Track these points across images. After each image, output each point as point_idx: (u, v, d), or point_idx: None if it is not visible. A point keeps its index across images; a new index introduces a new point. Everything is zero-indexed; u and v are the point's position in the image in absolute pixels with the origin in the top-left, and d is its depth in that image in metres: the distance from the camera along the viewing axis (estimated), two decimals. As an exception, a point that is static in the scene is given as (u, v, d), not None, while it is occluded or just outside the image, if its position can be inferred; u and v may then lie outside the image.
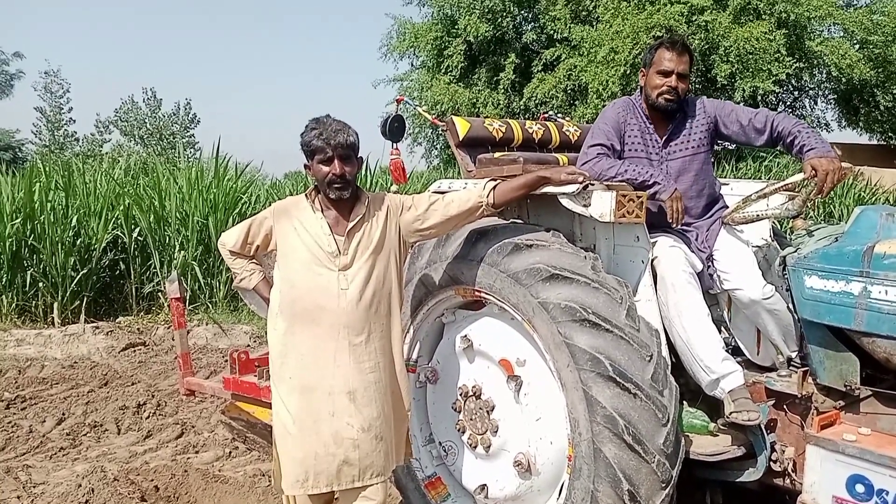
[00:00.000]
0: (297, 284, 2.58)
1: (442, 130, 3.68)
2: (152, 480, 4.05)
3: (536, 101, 17.43)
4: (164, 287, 6.36)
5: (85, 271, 8.52)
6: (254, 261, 2.86)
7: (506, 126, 3.65)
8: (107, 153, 27.41)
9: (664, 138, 3.07)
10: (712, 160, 3.21)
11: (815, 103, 20.68)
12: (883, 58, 17.12)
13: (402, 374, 2.73)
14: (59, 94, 32.97)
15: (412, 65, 21.75)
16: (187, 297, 8.62)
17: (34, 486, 4.07)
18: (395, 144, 3.58)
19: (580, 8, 17.51)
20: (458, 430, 3.13)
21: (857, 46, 17.17)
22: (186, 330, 4.52)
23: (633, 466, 2.47)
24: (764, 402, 2.75)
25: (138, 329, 8.19)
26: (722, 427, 2.81)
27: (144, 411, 5.44)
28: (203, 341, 7.53)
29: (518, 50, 19.35)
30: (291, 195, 2.93)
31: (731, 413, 2.65)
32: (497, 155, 3.35)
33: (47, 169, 10.11)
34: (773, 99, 18.93)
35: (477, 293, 2.97)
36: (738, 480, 2.80)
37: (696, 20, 15.57)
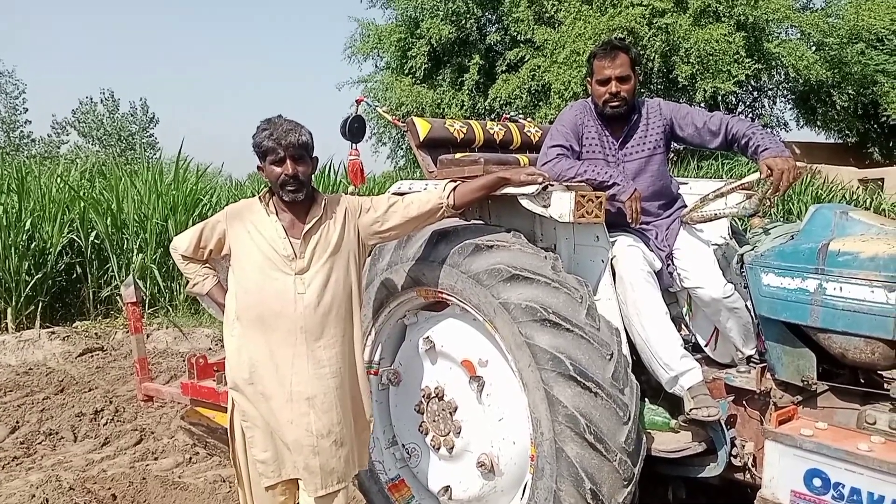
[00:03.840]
0: (252, 289, 2.52)
1: (403, 131, 3.65)
2: (110, 489, 3.95)
3: (501, 102, 17.52)
4: (121, 291, 6.24)
5: (40, 276, 8.29)
6: (207, 265, 2.80)
7: (467, 127, 3.64)
8: (64, 155, 26.81)
9: (620, 140, 3.10)
10: (670, 160, 3.24)
11: (774, 103, 21.18)
12: (838, 59, 17.58)
13: (363, 377, 2.69)
14: (14, 95, 32.25)
15: (376, 66, 21.73)
16: (146, 301, 8.47)
17: (-15, 498, 3.94)
18: (354, 145, 3.54)
19: (543, 10, 17.63)
20: (422, 432, 3.11)
21: (813, 48, 17.60)
22: (144, 334, 4.42)
23: (595, 465, 2.47)
24: (723, 399, 2.77)
25: (96, 334, 8.00)
26: (683, 424, 2.83)
27: (102, 418, 5.30)
28: (163, 345, 7.38)
29: (482, 51, 19.43)
30: (253, 196, 2.87)
31: (691, 410, 2.68)
32: (458, 156, 3.33)
33: None
34: (734, 99, 19.31)
35: (439, 294, 2.95)
36: (699, 476, 2.83)
37: (656, 22, 15.79)
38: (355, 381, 2.64)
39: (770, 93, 20.76)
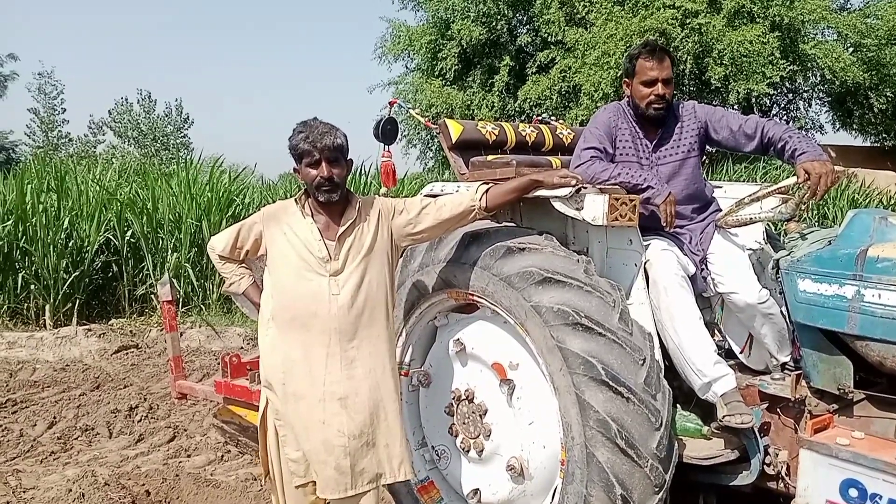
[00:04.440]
0: (287, 290, 2.56)
1: (435, 133, 3.66)
2: (143, 485, 4.02)
3: (531, 103, 17.45)
4: (157, 289, 6.35)
5: (77, 273, 8.48)
6: (243, 265, 2.84)
7: (499, 129, 3.64)
8: (100, 154, 27.33)
9: (654, 143, 3.07)
10: (705, 161, 3.21)
11: (810, 106, 20.77)
12: (876, 61, 17.19)
13: (396, 379, 2.71)
14: (52, 96, 32.90)
15: (406, 67, 21.77)
16: (180, 300, 8.60)
17: (24, 492, 4.04)
18: (387, 147, 3.57)
19: (574, 12, 17.54)
20: (451, 434, 3.12)
21: (850, 49, 17.24)
22: (178, 333, 4.49)
23: (626, 471, 2.46)
24: (757, 406, 2.74)
25: (131, 331, 8.15)
26: (715, 431, 2.80)
27: (136, 415, 5.41)
28: (196, 344, 7.49)
29: (512, 52, 19.37)
30: (284, 197, 2.91)
31: (724, 416, 2.64)
32: (490, 158, 3.33)
33: (40, 171, 10.06)
34: (768, 102, 18.99)
35: (470, 297, 2.95)
36: (731, 484, 2.79)
37: (689, 23, 15.60)
38: (389, 383, 2.64)
39: (805, 95, 20.38)
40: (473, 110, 18.54)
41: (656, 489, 2.48)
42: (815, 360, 2.61)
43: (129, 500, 3.80)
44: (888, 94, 18.02)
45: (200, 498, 3.93)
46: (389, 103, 3.88)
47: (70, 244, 8.64)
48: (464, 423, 3.05)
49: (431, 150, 21.44)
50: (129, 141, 33.60)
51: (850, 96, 18.82)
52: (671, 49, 15.04)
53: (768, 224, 3.16)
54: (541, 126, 3.90)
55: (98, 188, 9.65)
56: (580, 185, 2.68)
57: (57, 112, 33.02)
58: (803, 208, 2.82)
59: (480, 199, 2.70)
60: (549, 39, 18.28)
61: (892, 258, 2.35)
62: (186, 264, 8.85)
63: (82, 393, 5.93)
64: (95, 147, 32.58)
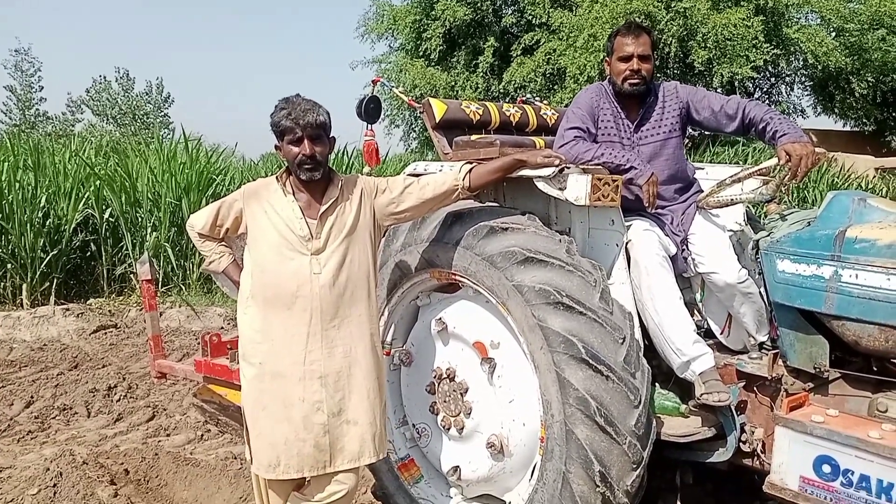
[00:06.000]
0: (268, 269, 2.54)
1: (419, 112, 3.64)
2: (122, 464, 4.00)
3: (515, 85, 17.41)
4: (136, 268, 6.29)
5: (55, 252, 8.37)
6: (223, 243, 2.81)
7: (483, 109, 3.62)
8: (78, 133, 26.93)
9: (636, 123, 3.08)
10: (687, 144, 3.22)
11: (792, 90, 20.94)
12: (858, 45, 17.34)
13: (378, 357, 2.70)
14: (29, 73, 32.35)
15: (390, 47, 21.62)
16: (159, 279, 8.53)
17: (1, 471, 4.00)
18: (370, 126, 3.54)
19: (560, -7, 17.49)
20: (432, 413, 3.13)
21: (833, 34, 17.37)
22: (158, 312, 4.46)
23: (605, 448, 2.48)
24: (734, 384, 2.77)
25: (109, 311, 8.08)
26: (693, 409, 2.83)
27: (115, 394, 5.37)
28: (176, 324, 7.45)
29: (497, 34, 19.29)
30: (265, 177, 2.88)
31: (701, 395, 2.68)
32: (474, 137, 3.32)
33: (16, 147, 9.89)
34: (751, 85, 19.09)
35: (452, 276, 2.95)
36: (708, 461, 2.83)
37: (674, 6, 15.63)
38: (371, 362, 2.63)
39: (788, 79, 20.52)
40: (457, 91, 18.49)
41: (634, 466, 2.51)
42: (792, 340, 2.64)
43: (108, 479, 3.78)
44: (869, 79, 18.18)
45: (180, 477, 3.92)
46: (373, 81, 3.85)
47: (47, 222, 8.52)
48: (445, 402, 3.06)
49: (415, 131, 21.38)
50: (107, 120, 33.14)
51: (832, 81, 18.97)
52: (656, 31, 15.06)
53: (749, 206, 3.18)
54: (525, 106, 3.89)
55: (77, 163, 9.50)
56: (563, 166, 2.68)
57: (34, 90, 32.50)
58: (784, 190, 2.84)
59: (464, 179, 2.69)
60: (533, 21, 18.22)
61: (869, 239, 2.38)
62: (166, 243, 8.77)
63: (60, 372, 5.88)
64: (74, 126, 32.11)
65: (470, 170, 2.71)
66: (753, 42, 15.58)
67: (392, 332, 3.32)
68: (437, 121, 3.46)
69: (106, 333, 7.20)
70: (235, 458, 4.12)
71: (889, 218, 2.50)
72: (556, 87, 17.27)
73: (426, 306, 3.25)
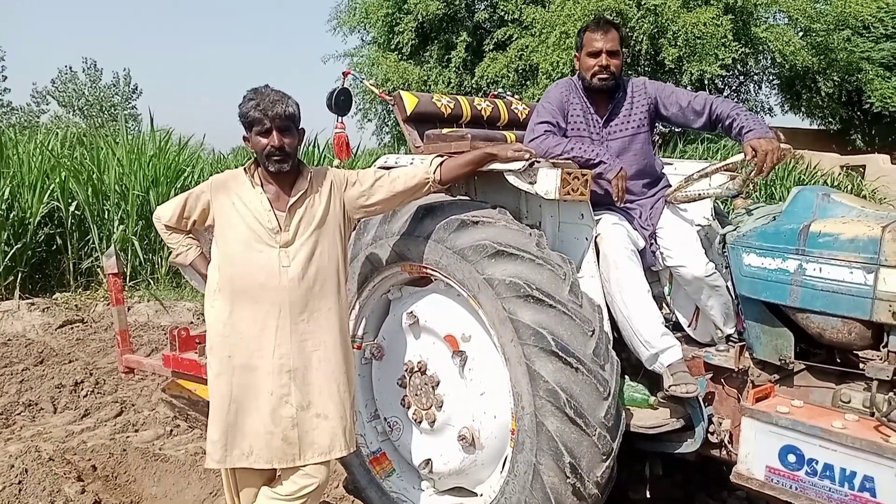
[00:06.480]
0: (236, 261, 2.51)
1: (390, 105, 3.63)
2: (90, 460, 3.94)
3: (488, 80, 17.42)
4: (102, 262, 6.18)
5: (19, 246, 8.18)
6: (190, 236, 2.78)
7: (454, 102, 3.62)
8: (44, 124, 26.41)
9: (605, 118, 3.11)
10: (657, 140, 3.26)
11: (760, 88, 21.27)
12: (825, 45, 17.64)
13: (348, 351, 2.69)
14: (-8, 63, 31.61)
15: (363, 40, 21.49)
16: (127, 273, 8.39)
17: (-36, 467, 3.92)
18: (340, 118, 3.52)
19: (532, -11, 17.52)
20: (403, 406, 3.13)
21: (800, 34, 17.64)
22: (125, 306, 4.38)
23: (575, 439, 2.50)
24: (702, 376, 2.81)
25: (76, 305, 7.93)
26: (661, 400, 2.87)
27: (82, 390, 5.28)
28: (144, 318, 7.33)
29: (470, 28, 19.27)
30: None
31: (669, 386, 2.71)
32: (445, 131, 3.32)
33: (-23, 139, 9.65)
34: (720, 83, 19.32)
35: (423, 270, 2.95)
36: (676, 452, 2.87)
37: (645, 4, 15.75)
38: (341, 356, 2.62)
39: (756, 77, 20.83)
40: (430, 86, 18.45)
41: (604, 457, 2.53)
42: (758, 332, 2.68)
43: (75, 476, 3.72)
44: (835, 78, 18.53)
45: (148, 472, 3.87)
46: (343, 74, 3.82)
47: (11, 215, 8.32)
48: (416, 395, 3.06)
49: (388, 125, 21.29)
50: (74, 111, 32.54)
51: (799, 80, 19.31)
52: (627, 29, 15.18)
53: (716, 201, 3.23)
54: (496, 101, 3.90)
55: (42, 154, 9.29)
56: (533, 160, 2.69)
57: (-3, 80, 31.76)
58: (750, 185, 2.88)
59: (435, 172, 2.69)
60: (506, 17, 18.23)
61: (833, 233, 2.42)
62: (133, 237, 8.62)
63: (25, 368, 5.75)
64: (39, 117, 31.49)
65: (441, 163, 2.71)
66: (723, 41, 15.77)
67: (363, 326, 3.31)
68: (408, 114, 3.45)
69: (72, 328, 7.06)
70: (205, 454, 4.06)
71: (852, 213, 2.55)
72: (528, 82, 17.32)
73: (397, 300, 3.25)
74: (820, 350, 2.67)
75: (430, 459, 3.05)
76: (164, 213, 2.71)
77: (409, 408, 3.10)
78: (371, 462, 3.29)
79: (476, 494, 3.04)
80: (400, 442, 3.23)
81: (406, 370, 3.10)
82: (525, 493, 2.62)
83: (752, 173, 2.79)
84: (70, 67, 33.18)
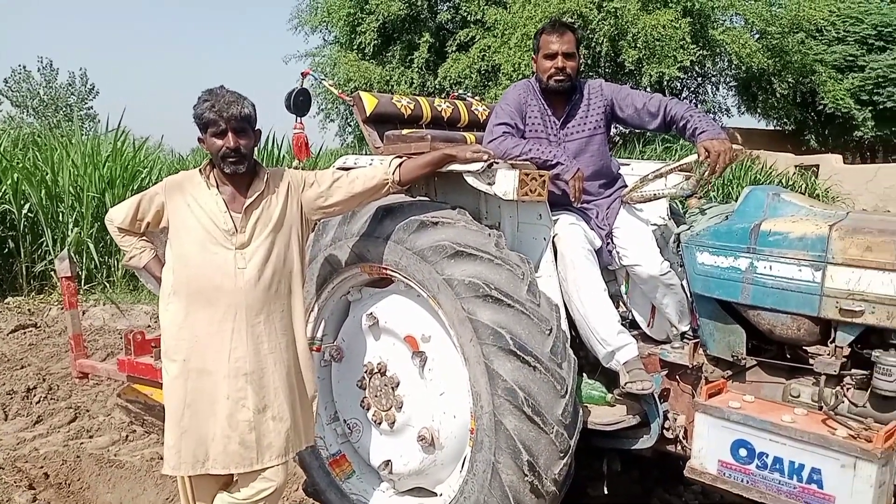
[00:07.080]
0: (191, 263, 2.47)
1: (350, 106, 3.62)
2: (42, 467, 3.85)
3: (451, 81, 17.44)
4: (55, 265, 6.04)
5: (-31, 249, 7.97)
6: (144, 238, 2.73)
7: (414, 103, 3.62)
8: (-5, 124, 25.69)
9: (562, 120, 3.14)
10: (613, 144, 3.30)
11: (717, 90, 21.65)
12: (780, 48, 18.03)
13: (305, 354, 2.67)
14: (-60, 61, 30.67)
15: (324, 40, 21.35)
16: (82, 277, 8.22)
17: None
18: (299, 119, 3.50)
19: (494, -10, 17.60)
20: (363, 408, 3.12)
21: (756, 37, 18.01)
22: (79, 310, 4.29)
23: (533, 437, 2.52)
24: (657, 373, 2.86)
25: (29, 310, 7.74)
26: (618, 397, 2.91)
27: (34, 395, 5.14)
28: (100, 322, 7.18)
29: (432, 29, 19.27)
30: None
31: (626, 383, 2.75)
32: (405, 132, 3.32)
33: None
34: (678, 85, 19.63)
35: (383, 271, 2.95)
36: (633, 448, 2.91)
37: (605, 6, 15.91)
38: (297, 358, 2.62)
39: (714, 79, 21.20)
40: (393, 86, 18.39)
41: (561, 454, 2.56)
42: (711, 329, 2.74)
43: (26, 484, 3.64)
44: (790, 80, 18.96)
45: (103, 479, 3.79)
46: (302, 74, 3.79)
47: (-39, 218, 8.10)
48: (376, 396, 3.05)
49: (350, 126, 21.16)
50: (28, 111, 31.74)
51: (755, 81, 19.70)
52: (587, 31, 15.34)
53: (672, 201, 3.28)
54: (456, 102, 3.91)
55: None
56: (492, 161, 2.70)
57: (-55, 78, 30.81)
58: (704, 185, 2.94)
59: (394, 173, 2.69)
60: (468, 18, 18.27)
61: (782, 232, 2.49)
62: (88, 239, 8.44)
63: (-25, 374, 5.60)
64: (-10, 117, 30.59)
65: (400, 164, 2.71)
66: (681, 43, 16.02)
67: (322, 328, 3.29)
68: (368, 114, 3.45)
69: (25, 333, 6.88)
70: (161, 459, 3.98)
71: (801, 212, 2.62)
72: (490, 83, 17.38)
73: (357, 301, 3.24)
74: (771, 346, 2.74)
75: (389, 460, 3.04)
76: (117, 216, 2.66)
77: (368, 409, 3.09)
78: (331, 464, 3.27)
79: (436, 494, 3.05)
80: (360, 444, 3.21)
81: (366, 371, 3.09)
82: (484, 491, 2.64)
83: (706, 173, 2.84)
84: (24, 67, 32.38)
